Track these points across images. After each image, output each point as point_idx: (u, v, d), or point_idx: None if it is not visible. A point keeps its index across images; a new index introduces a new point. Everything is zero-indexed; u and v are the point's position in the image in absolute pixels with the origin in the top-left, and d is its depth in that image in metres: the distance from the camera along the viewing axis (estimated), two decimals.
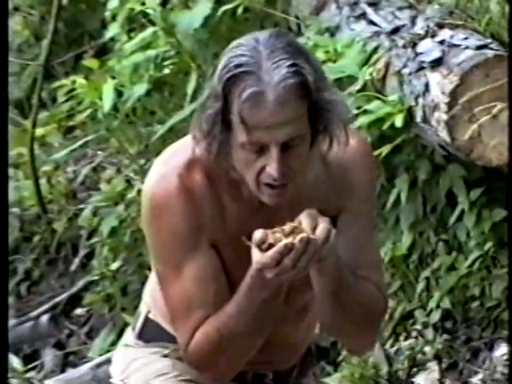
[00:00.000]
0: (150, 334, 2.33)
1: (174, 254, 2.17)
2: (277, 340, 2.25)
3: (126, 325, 4.07)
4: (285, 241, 2.02)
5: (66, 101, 4.88)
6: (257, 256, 2.04)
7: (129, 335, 2.39)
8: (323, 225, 2.05)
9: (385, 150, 3.60)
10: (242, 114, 2.05)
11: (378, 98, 3.64)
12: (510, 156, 3.42)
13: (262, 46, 2.06)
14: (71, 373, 4.49)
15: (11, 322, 4.93)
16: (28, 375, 4.68)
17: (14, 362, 4.74)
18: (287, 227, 2.05)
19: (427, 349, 3.78)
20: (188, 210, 2.15)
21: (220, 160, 2.12)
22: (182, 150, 2.19)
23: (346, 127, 2.12)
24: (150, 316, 2.33)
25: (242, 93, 2.04)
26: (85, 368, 4.40)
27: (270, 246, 2.04)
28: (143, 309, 2.36)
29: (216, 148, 2.09)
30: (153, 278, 2.31)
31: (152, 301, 2.32)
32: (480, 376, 3.66)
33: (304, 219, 2.06)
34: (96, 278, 4.76)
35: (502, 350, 3.66)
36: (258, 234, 2.04)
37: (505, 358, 3.63)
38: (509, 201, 3.55)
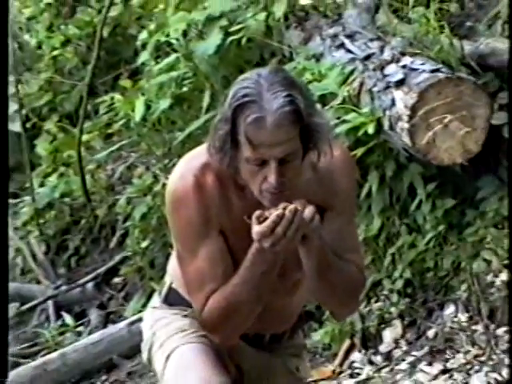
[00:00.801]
0: (173, 299, 2.31)
1: (189, 239, 2.15)
2: (273, 310, 2.23)
3: (153, 291, 4.05)
4: (277, 212, 2.03)
5: (106, 113, 4.88)
6: (255, 228, 2.04)
7: (156, 299, 2.37)
8: (310, 208, 2.06)
9: (359, 151, 3.58)
10: (248, 134, 2.04)
11: (353, 111, 3.62)
12: (511, 154, 3.40)
13: (263, 80, 2.05)
14: (111, 328, 4.48)
15: (64, 287, 4.92)
16: (78, 329, 4.67)
17: (67, 318, 4.74)
18: (280, 205, 2.06)
19: (392, 309, 3.76)
20: (200, 204, 2.13)
21: (230, 170, 2.11)
22: (198, 155, 2.17)
23: (330, 144, 2.11)
24: (173, 286, 2.31)
25: (247, 118, 2.04)
26: (122, 324, 4.39)
27: (266, 218, 2.05)
28: (167, 279, 2.34)
29: (227, 162, 2.09)
30: (174, 256, 2.28)
31: (174, 274, 2.30)
32: (433, 330, 3.64)
33: (294, 203, 2.06)
34: (129, 253, 4.74)
35: (450, 309, 3.65)
36: (256, 212, 2.05)
37: (452, 315, 3.61)
38: (509, 196, 3.49)
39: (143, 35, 4.55)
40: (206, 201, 2.14)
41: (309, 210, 2.05)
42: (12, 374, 4.29)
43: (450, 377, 3.47)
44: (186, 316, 2.29)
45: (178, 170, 2.18)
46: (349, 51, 3.86)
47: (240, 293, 2.11)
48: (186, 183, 2.14)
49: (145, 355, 2.35)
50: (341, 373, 3.73)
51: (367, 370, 3.68)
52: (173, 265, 2.31)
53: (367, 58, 3.75)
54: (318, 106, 3.42)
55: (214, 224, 2.15)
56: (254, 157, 2.05)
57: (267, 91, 2.03)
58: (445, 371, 3.50)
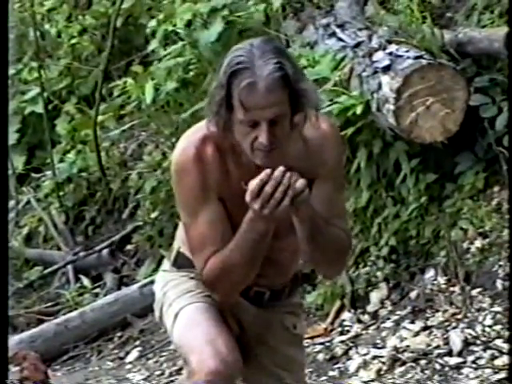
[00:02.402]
0: (181, 262, 2.29)
1: (190, 206, 2.15)
2: (272, 267, 2.23)
3: (162, 257, 4.04)
4: (266, 171, 2.02)
5: (119, 96, 4.85)
6: (249, 190, 2.03)
7: (166, 264, 2.36)
8: (302, 180, 2.05)
9: (349, 131, 3.57)
10: (241, 98, 2.04)
11: (344, 94, 3.61)
12: (511, 151, 3.39)
13: (255, 49, 2.05)
14: (125, 290, 4.48)
15: (82, 254, 4.92)
16: (95, 291, 4.68)
17: (85, 281, 4.74)
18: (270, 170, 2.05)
19: (379, 273, 3.76)
20: (201, 173, 2.13)
21: (225, 133, 2.10)
22: (198, 130, 2.17)
23: (316, 108, 2.11)
24: (181, 250, 2.30)
25: (240, 83, 2.03)
26: (134, 287, 4.39)
27: None
28: (176, 245, 2.32)
29: (222, 124, 2.08)
30: (181, 224, 2.27)
31: (181, 240, 2.29)
32: (415, 292, 3.65)
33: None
34: (141, 223, 4.74)
35: (430, 273, 3.66)
36: (252, 180, 2.05)
37: (432, 278, 3.62)
38: (510, 191, 3.46)
39: (153, 24, 4.52)
40: (205, 170, 2.13)
41: (300, 182, 2.04)
42: (37, 330, 4.31)
43: (430, 333, 3.49)
44: (192, 278, 2.27)
45: (181, 143, 2.18)
46: (340, 39, 3.85)
47: (235, 257, 2.11)
48: (187, 154, 2.13)
49: (157, 313, 2.34)
50: (332, 330, 3.74)
51: (356, 328, 3.69)
52: (180, 231, 2.29)
53: (357, 45, 3.74)
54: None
55: (214, 191, 2.14)
56: (247, 119, 2.04)
57: (259, 59, 2.03)
58: (425, 328, 3.52)
